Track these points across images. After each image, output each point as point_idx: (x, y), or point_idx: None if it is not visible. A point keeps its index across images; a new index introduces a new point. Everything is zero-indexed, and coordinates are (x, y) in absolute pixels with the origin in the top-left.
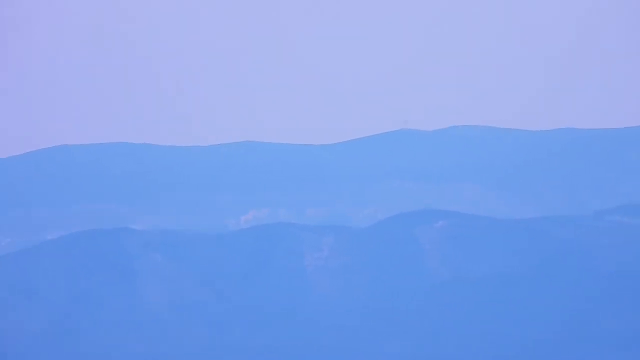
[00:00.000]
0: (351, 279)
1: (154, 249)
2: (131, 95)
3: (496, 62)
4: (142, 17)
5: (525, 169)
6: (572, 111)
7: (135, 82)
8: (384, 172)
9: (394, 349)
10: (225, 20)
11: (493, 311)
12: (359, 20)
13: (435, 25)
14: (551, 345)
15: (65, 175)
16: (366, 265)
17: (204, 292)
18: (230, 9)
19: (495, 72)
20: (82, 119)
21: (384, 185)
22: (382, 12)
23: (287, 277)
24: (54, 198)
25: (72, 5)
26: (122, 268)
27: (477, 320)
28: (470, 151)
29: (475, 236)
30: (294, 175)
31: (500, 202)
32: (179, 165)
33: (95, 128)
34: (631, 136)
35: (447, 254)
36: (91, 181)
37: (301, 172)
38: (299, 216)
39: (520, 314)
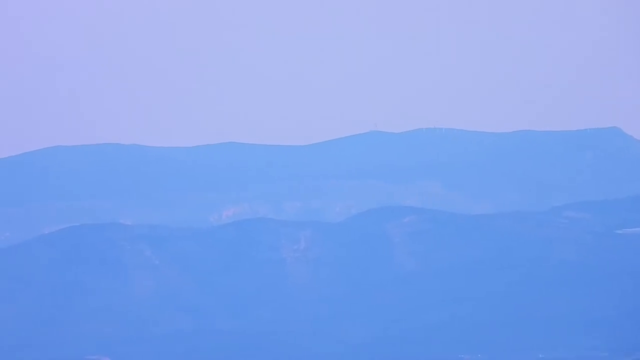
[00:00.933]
0: (326, 270)
1: (142, 242)
2: (121, 99)
3: (460, 69)
4: (128, 20)
5: (486, 168)
6: (530, 114)
7: (126, 86)
8: (356, 171)
9: (364, 333)
10: (207, 27)
11: (455, 298)
12: (333, 27)
13: (403, 33)
14: (508, 328)
15: (58, 174)
16: (340, 256)
17: (188, 281)
18: (208, 15)
19: (459, 78)
20: (75, 121)
21: (356, 183)
22: (354, 19)
23: (266, 268)
24: (48, 195)
25: (63, 8)
26: (112, 260)
27: (441, 308)
28: (435, 152)
29: (439, 230)
30: (273, 173)
31: (461, 199)
32: (166, 165)
33: (87, 130)
34: (584, 138)
35: (414, 247)
36: (84, 180)
37: (280, 171)
38: (278, 211)
39: (479, 301)
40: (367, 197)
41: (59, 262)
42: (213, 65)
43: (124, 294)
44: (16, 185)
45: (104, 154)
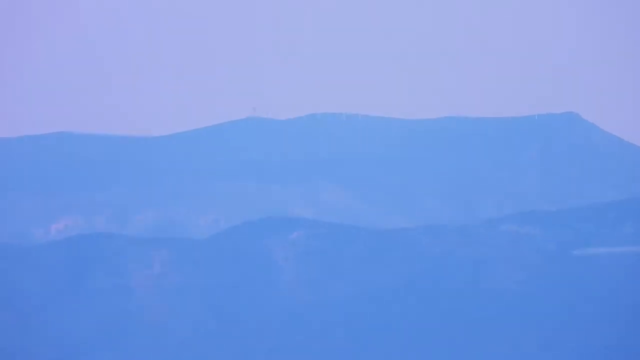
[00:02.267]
0: (186, 303)
1: None
2: None
3: (370, 39)
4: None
5: (400, 166)
6: (459, 96)
7: None
8: (227, 168)
9: None
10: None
11: (357, 341)
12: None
13: (293, 11)
14: None
15: None
16: (206, 286)
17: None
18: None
19: (368, 50)
20: None
21: (227, 185)
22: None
23: (108, 299)
24: None
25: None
26: None
27: (338, 354)
28: (329, 143)
29: (339, 250)
30: (118, 171)
31: (367, 208)
32: None
33: None
34: (531, 126)
35: (305, 273)
36: None
37: (127, 170)
38: (123, 225)
39: (390, 344)
40: (242, 204)
41: None
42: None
43: None
44: None
45: None
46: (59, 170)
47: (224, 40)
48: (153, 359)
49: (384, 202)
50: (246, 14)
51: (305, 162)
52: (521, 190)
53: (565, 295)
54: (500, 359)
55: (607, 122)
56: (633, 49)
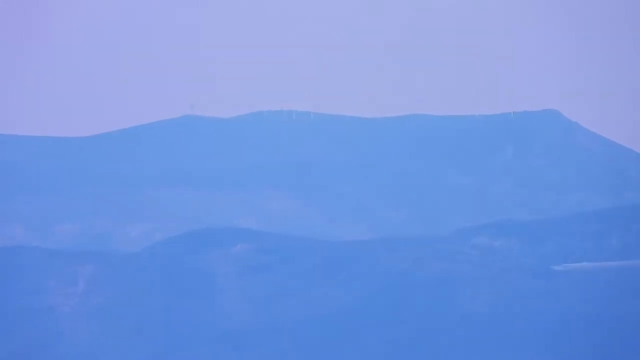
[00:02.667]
0: (115, 326)
1: None
2: None
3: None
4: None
5: (355, 167)
6: (423, 91)
7: None
8: (162, 172)
9: None
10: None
11: None
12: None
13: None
14: None
15: None
16: (137, 306)
17: None
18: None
19: (315, 46)
20: None
21: (161, 191)
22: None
23: (27, 320)
24: None
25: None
26: None
27: None
28: (277, 144)
29: (286, 265)
30: (38, 176)
31: (317, 216)
32: None
33: None
34: (506, 125)
35: (249, 290)
36: None
37: (49, 174)
38: (44, 236)
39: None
40: (179, 213)
41: None
42: None
43: None
44: None
45: None
46: None
47: (157, 28)
48: None
49: (339, 210)
50: (189, 3)
51: (249, 165)
52: (494, 197)
53: (545, 316)
54: None
55: (592, 120)
56: (617, 42)
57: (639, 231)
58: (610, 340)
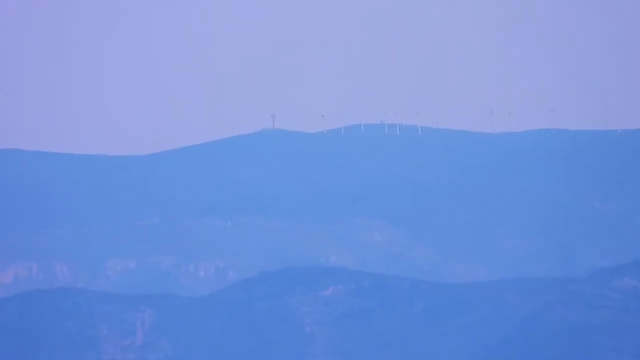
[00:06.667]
0: None
1: None
2: None
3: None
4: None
5: (481, 190)
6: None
7: None
8: (235, 194)
9: None
10: None
11: None
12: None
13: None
14: None
15: None
16: (205, 359)
17: None
18: None
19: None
20: None
21: (236, 219)
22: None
23: None
24: None
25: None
26: None
27: None
28: (379, 162)
29: (388, 311)
30: (89, 201)
31: (424, 252)
32: None
33: None
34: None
35: (343, 343)
36: None
37: (103, 194)
38: (93, 275)
39: None
40: (256, 248)
41: None
42: None
43: None
44: None
45: None
46: None
47: (234, 33)
48: None
49: (453, 245)
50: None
51: (342, 190)
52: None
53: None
54: None
55: None
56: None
57: None
58: None
